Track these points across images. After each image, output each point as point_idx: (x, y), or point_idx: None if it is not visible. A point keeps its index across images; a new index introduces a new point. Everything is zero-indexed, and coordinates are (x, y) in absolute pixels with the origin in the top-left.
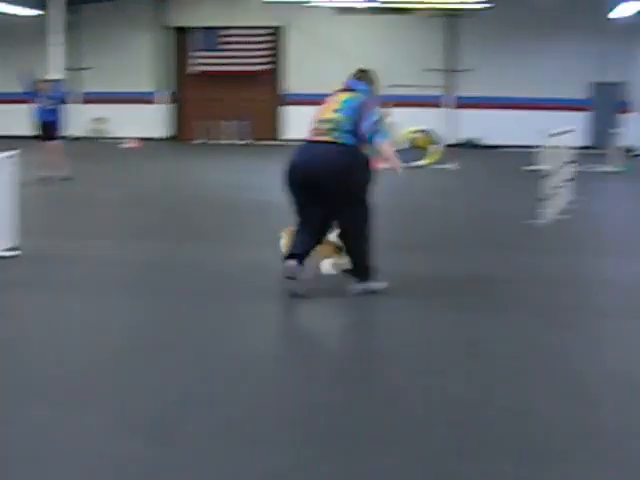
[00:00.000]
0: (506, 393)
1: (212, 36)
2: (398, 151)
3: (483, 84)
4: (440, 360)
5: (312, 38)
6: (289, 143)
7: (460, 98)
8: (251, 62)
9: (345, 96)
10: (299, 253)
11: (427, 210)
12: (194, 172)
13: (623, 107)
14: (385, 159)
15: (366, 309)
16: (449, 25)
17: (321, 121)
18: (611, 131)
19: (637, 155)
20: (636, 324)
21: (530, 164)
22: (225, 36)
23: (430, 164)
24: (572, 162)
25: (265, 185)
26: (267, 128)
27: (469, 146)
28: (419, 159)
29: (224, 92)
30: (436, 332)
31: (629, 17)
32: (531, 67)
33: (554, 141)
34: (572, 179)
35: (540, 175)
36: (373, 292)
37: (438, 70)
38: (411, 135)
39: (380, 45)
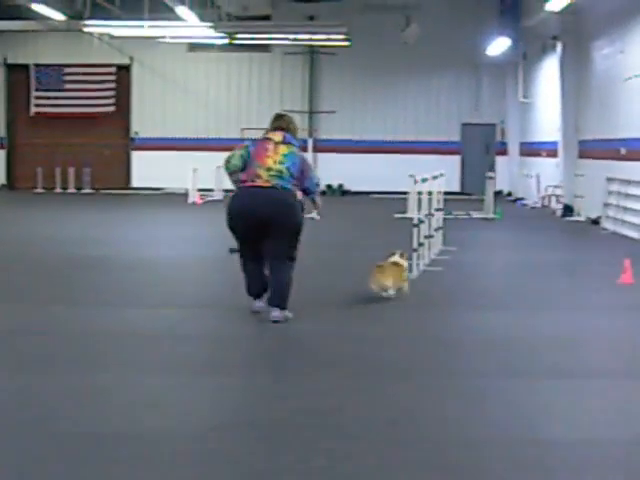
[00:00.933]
0: (378, 471)
1: (51, 74)
2: None
3: (346, 126)
4: (288, 438)
5: (162, 77)
6: (140, 192)
7: (322, 141)
8: (95, 103)
9: (285, 150)
10: (259, 293)
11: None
12: (37, 224)
13: (496, 149)
14: (317, 208)
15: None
16: (309, 64)
17: (266, 169)
18: (487, 175)
19: (515, 200)
20: (487, 382)
21: (401, 212)
22: (66, 74)
23: None
24: (443, 209)
25: (116, 240)
26: (116, 175)
27: (335, 193)
28: None
29: (66, 136)
30: (280, 400)
31: (500, 55)
32: (399, 108)
33: (424, 187)
34: (442, 227)
35: (411, 224)
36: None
37: (298, 112)
38: None
39: (235, 85)
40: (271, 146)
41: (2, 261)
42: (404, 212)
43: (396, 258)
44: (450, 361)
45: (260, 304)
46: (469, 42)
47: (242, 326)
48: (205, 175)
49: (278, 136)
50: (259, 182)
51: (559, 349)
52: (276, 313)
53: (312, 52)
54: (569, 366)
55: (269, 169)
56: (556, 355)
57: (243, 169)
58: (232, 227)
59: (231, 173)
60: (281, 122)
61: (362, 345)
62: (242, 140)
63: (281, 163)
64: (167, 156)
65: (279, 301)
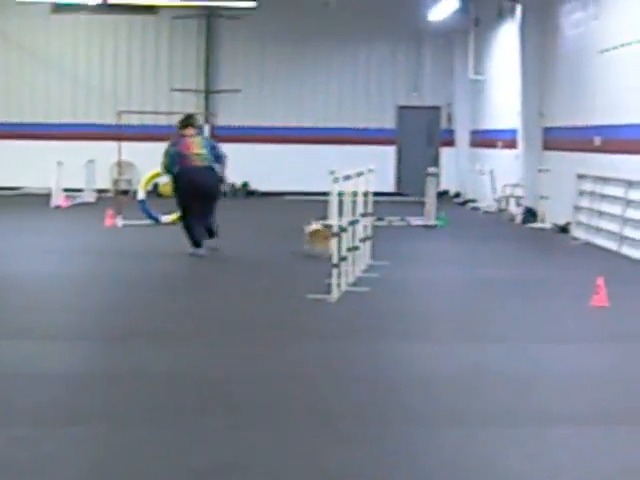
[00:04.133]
0: None
1: None
2: (140, 202)
3: (253, 110)
4: None
5: (19, 46)
6: None
7: (222, 129)
8: None
9: (198, 139)
10: (201, 241)
11: (176, 285)
12: None
13: (441, 139)
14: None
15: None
16: (205, 31)
17: (194, 154)
18: (428, 171)
19: (464, 203)
20: (422, 430)
21: (321, 217)
22: None
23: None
24: (372, 214)
25: None
26: None
27: (238, 194)
28: (167, 212)
29: None
30: (161, 458)
31: (446, 21)
32: (319, 87)
33: (348, 186)
34: (371, 237)
35: (331, 233)
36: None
37: (192, 91)
38: (154, 180)
39: (111, 57)
40: (190, 139)
41: None
42: (325, 218)
43: (316, 226)
44: (375, 404)
45: (203, 251)
46: (407, 4)
47: (109, 363)
48: (73, 171)
49: (190, 131)
50: (195, 163)
51: (509, 390)
52: (212, 243)
53: (209, 16)
54: (522, 411)
55: (198, 154)
56: (506, 397)
57: (174, 164)
58: (181, 191)
59: (167, 172)
60: (187, 121)
61: (264, 385)
62: (119, 126)
63: (201, 149)
64: (24, 147)
65: (212, 236)
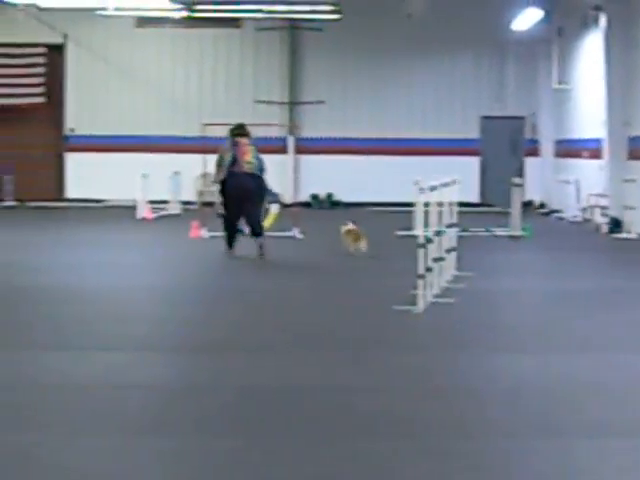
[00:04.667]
0: None
1: None
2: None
3: (337, 121)
4: None
5: (104, 60)
6: (76, 204)
7: (306, 140)
8: (20, 93)
9: (252, 149)
10: (234, 244)
11: (259, 300)
12: None
13: (525, 149)
14: None
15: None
16: (289, 43)
17: (246, 162)
18: (513, 181)
19: (549, 213)
20: (512, 443)
21: (405, 228)
22: None
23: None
24: (457, 225)
25: (46, 265)
26: (46, 183)
27: (323, 204)
28: None
29: None
30: (247, 470)
31: (530, 30)
32: (402, 98)
33: (433, 196)
34: (456, 248)
35: (416, 243)
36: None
37: (277, 103)
38: None
39: (196, 69)
40: (245, 147)
41: None
42: (409, 229)
43: (350, 226)
44: (464, 416)
45: (234, 254)
46: (491, 14)
47: (197, 375)
48: (158, 183)
49: (246, 140)
50: (244, 169)
51: (604, 400)
52: (260, 239)
53: (293, 28)
54: (617, 422)
55: (248, 162)
56: (601, 408)
57: (232, 164)
58: (228, 194)
59: (222, 167)
60: (242, 130)
61: (351, 397)
62: (204, 139)
63: (253, 158)
64: (110, 159)
65: (259, 232)
